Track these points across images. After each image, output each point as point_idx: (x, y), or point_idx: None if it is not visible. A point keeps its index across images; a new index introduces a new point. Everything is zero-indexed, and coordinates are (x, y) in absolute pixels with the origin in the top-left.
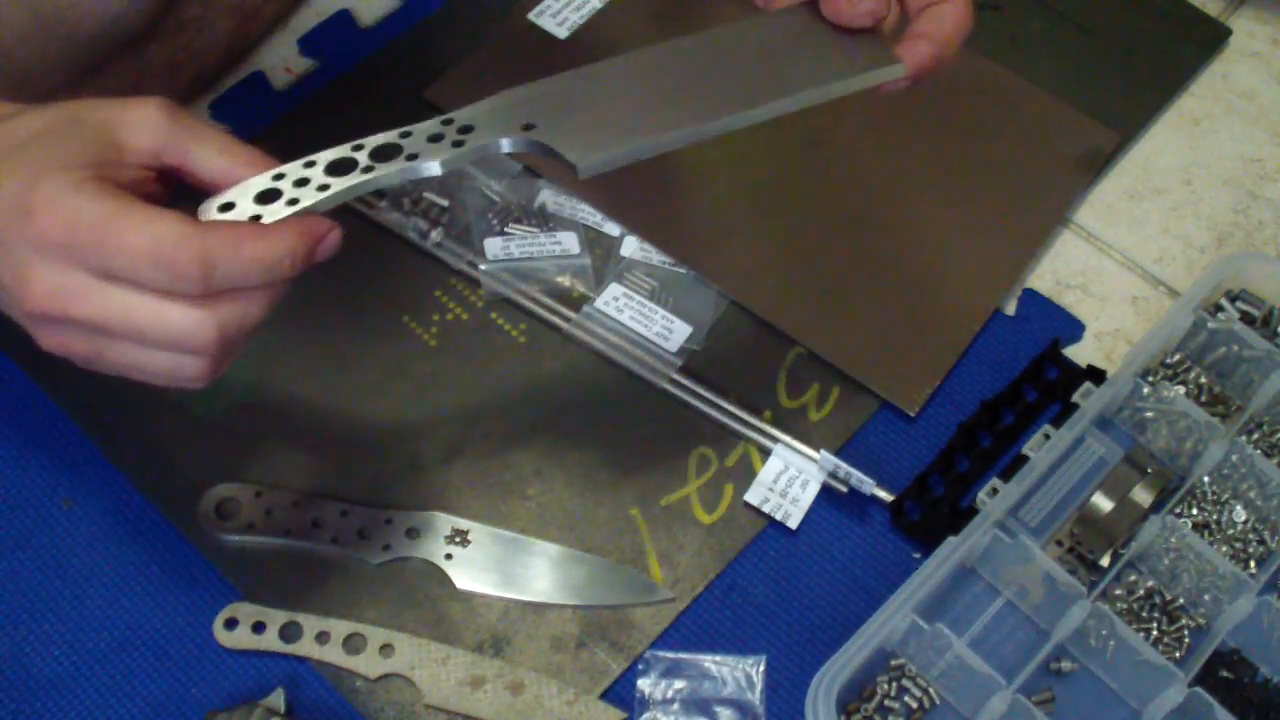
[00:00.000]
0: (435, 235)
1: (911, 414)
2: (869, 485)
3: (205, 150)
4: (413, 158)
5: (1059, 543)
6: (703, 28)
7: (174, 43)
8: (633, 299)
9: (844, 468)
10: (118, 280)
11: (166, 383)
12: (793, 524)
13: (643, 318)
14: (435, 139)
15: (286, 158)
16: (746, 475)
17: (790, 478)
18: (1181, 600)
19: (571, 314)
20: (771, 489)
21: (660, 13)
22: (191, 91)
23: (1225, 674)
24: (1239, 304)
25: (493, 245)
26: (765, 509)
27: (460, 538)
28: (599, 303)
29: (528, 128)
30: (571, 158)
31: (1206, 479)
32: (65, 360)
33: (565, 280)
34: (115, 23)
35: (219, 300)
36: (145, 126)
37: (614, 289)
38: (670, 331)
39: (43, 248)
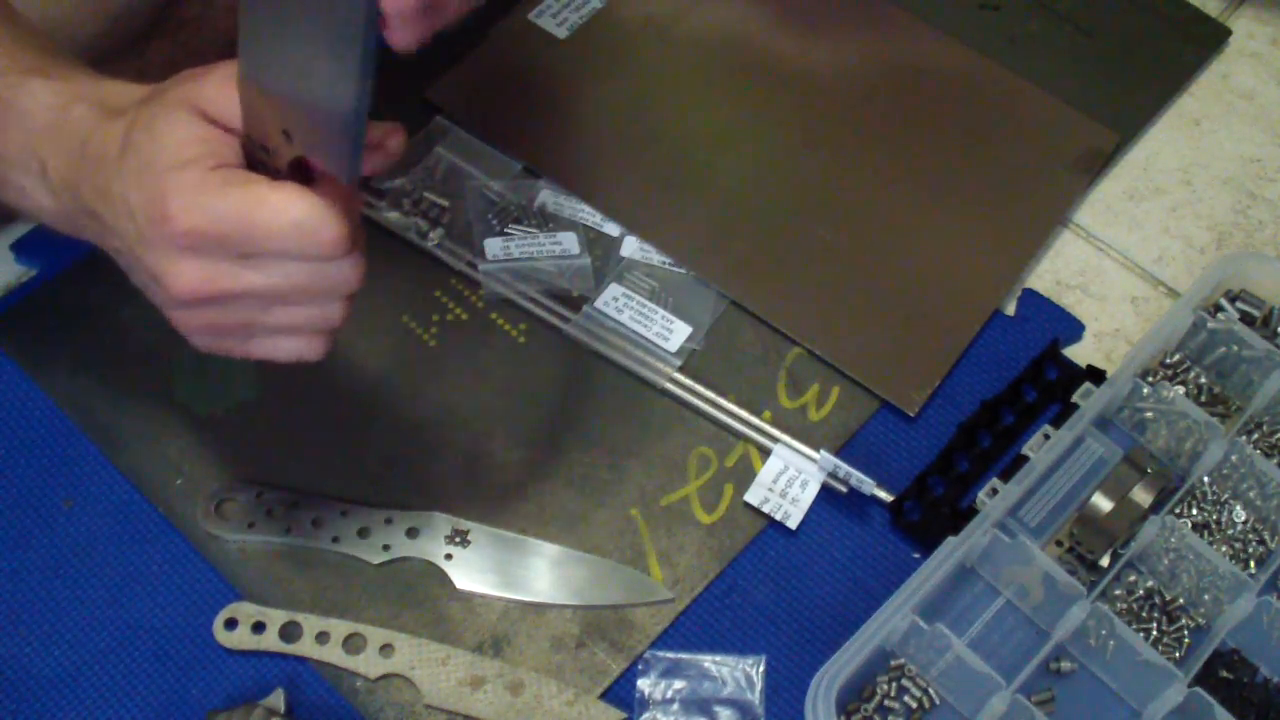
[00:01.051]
0: (435, 235)
1: (911, 414)
2: (869, 485)
3: None
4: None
5: (1059, 543)
6: (700, 30)
7: (174, 41)
8: (633, 299)
9: (844, 468)
10: (266, 256)
11: (304, 347)
12: (792, 524)
13: (643, 318)
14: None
15: None
16: (746, 475)
17: (790, 478)
18: (1181, 600)
19: (571, 314)
20: (771, 489)
21: (660, 13)
22: None
23: (1225, 674)
24: (1239, 304)
25: (493, 245)
26: (765, 509)
27: (460, 538)
28: (599, 303)
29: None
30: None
31: (1206, 479)
32: (66, 360)
33: (565, 280)
34: (117, 22)
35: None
36: (222, 98)
37: (614, 289)
38: (670, 331)
39: (189, 245)
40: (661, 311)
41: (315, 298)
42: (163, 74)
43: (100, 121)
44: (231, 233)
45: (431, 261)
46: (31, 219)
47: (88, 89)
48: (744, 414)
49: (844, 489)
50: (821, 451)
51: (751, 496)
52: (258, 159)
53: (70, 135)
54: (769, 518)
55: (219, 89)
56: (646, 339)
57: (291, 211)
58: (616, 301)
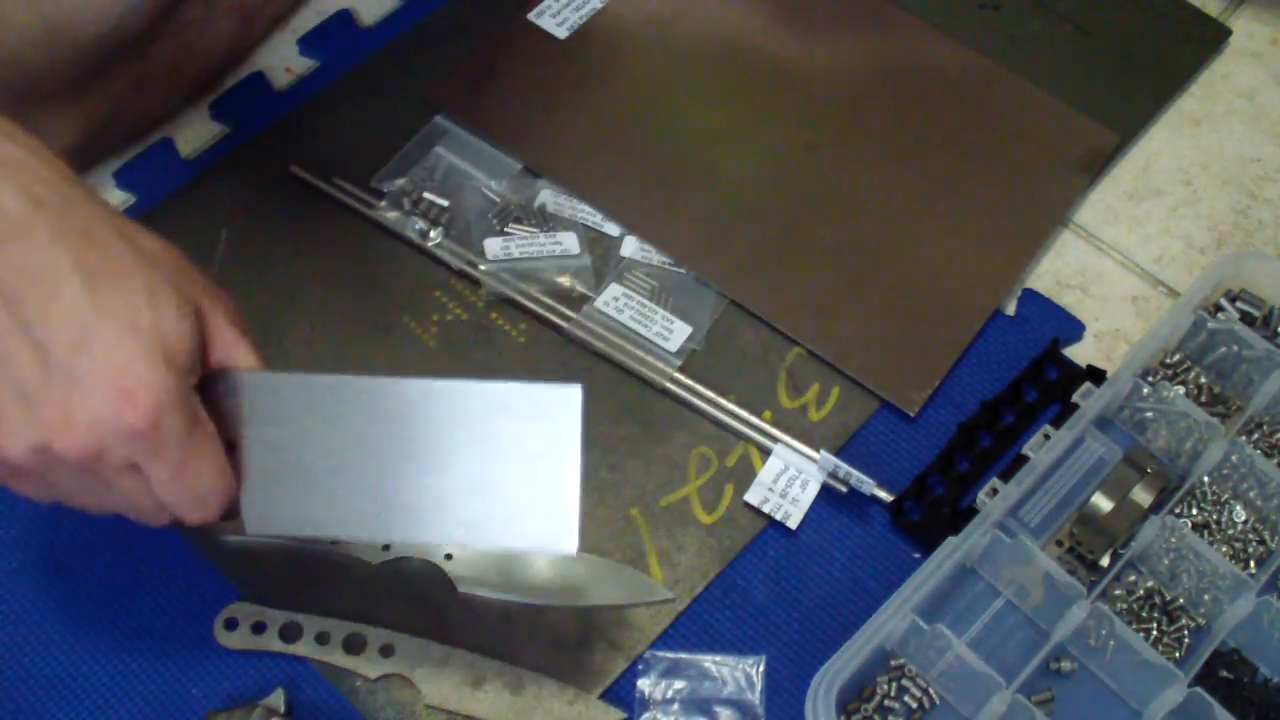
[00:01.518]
0: (435, 235)
1: (911, 414)
2: (869, 485)
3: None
4: None
5: (1059, 543)
6: (700, 30)
7: (176, 44)
8: (633, 299)
9: (844, 468)
10: (139, 473)
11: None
12: (792, 524)
13: (643, 318)
14: None
15: (287, 158)
16: (746, 475)
17: (790, 478)
18: (1181, 600)
19: (572, 314)
20: (771, 489)
21: (660, 13)
22: (192, 92)
23: (1225, 674)
24: (1239, 304)
25: (493, 245)
26: (765, 509)
27: None
28: (599, 303)
29: (228, 445)
30: (245, 517)
31: (1206, 479)
32: None
33: (565, 280)
34: (119, 24)
35: None
36: (223, 332)
37: (614, 289)
38: (670, 331)
39: (118, 427)
40: (661, 311)
41: (150, 512)
42: (165, 75)
43: (39, 206)
44: (168, 457)
45: (431, 261)
46: None
47: (25, 153)
48: (744, 414)
49: (844, 489)
50: (821, 451)
51: (751, 496)
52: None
53: None
54: (769, 518)
55: (228, 334)
56: (647, 339)
57: (214, 479)
58: (617, 301)
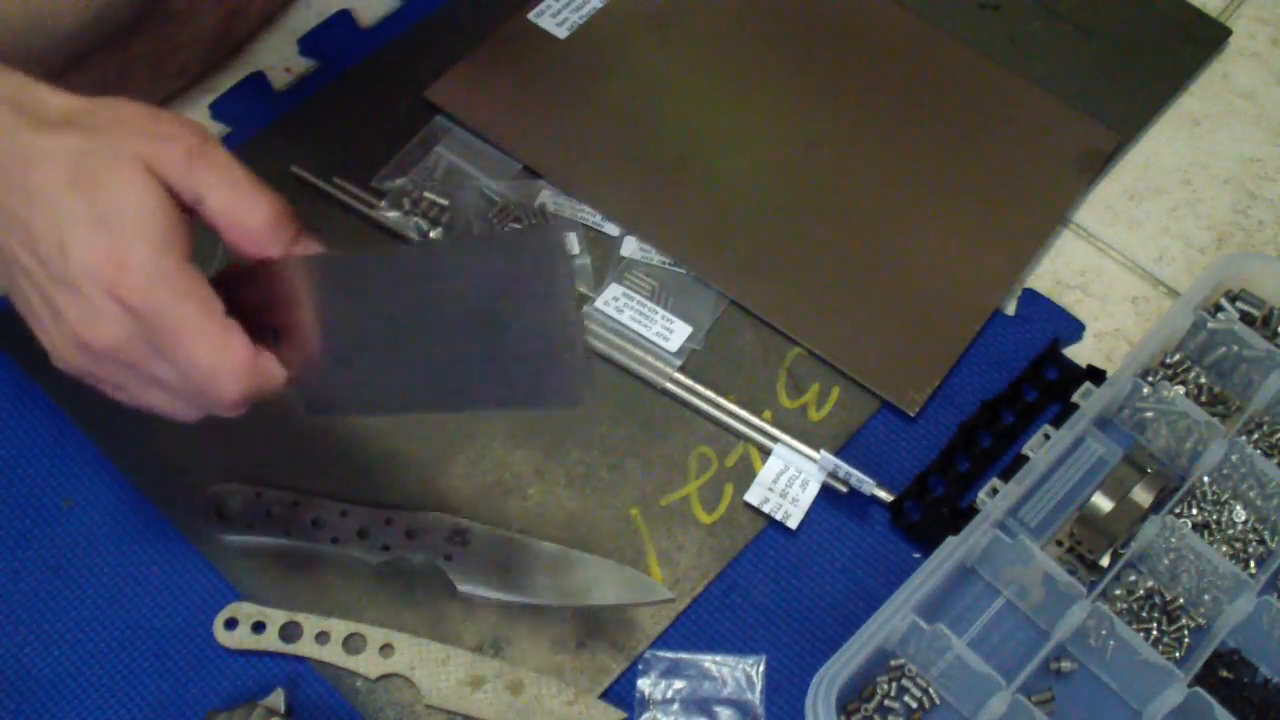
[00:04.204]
0: (435, 235)
1: (911, 414)
2: (869, 485)
3: (218, 202)
4: None
5: (1059, 543)
6: (700, 30)
7: (159, 35)
8: (633, 299)
9: (844, 468)
10: (164, 361)
11: (172, 409)
12: (793, 524)
13: (642, 318)
14: None
15: (287, 158)
16: (746, 475)
17: (790, 478)
18: (1181, 600)
19: None
20: (771, 489)
21: (659, 13)
22: (176, 84)
23: (1225, 674)
24: (1239, 304)
25: None
26: (765, 509)
27: (460, 538)
28: (599, 303)
29: (274, 334)
30: (304, 398)
31: (1206, 479)
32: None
33: None
34: (101, 14)
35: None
36: (176, 164)
37: (614, 289)
38: (670, 331)
39: (124, 313)
40: (661, 311)
41: (190, 399)
42: (147, 67)
43: (16, 133)
44: (166, 334)
45: None
46: None
47: (7, 87)
48: (744, 414)
49: (844, 489)
50: (821, 451)
51: (752, 496)
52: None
53: None
54: (769, 518)
55: (180, 167)
56: (647, 339)
57: (216, 356)
58: (617, 301)
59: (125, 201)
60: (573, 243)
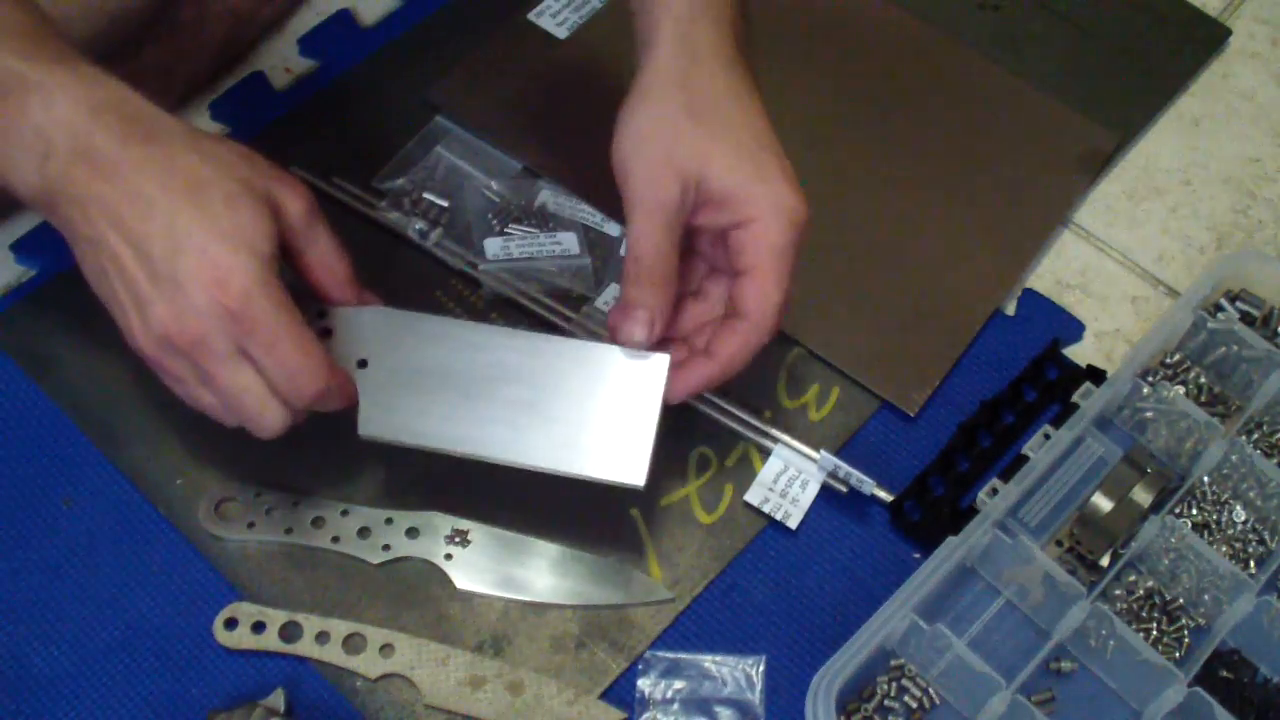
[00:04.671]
0: (435, 235)
1: (911, 414)
2: (869, 485)
3: (318, 254)
4: None
5: (1059, 543)
6: None
7: (168, 46)
8: None
9: (844, 468)
10: (249, 360)
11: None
12: (793, 524)
13: None
14: None
15: (287, 158)
16: (746, 475)
17: (790, 478)
18: (1181, 600)
19: (572, 314)
20: (771, 489)
21: None
22: (184, 93)
23: (1225, 674)
24: (1239, 304)
25: (493, 245)
26: (765, 509)
27: (460, 538)
28: (599, 302)
29: (363, 364)
30: (360, 419)
31: (1206, 479)
32: (66, 360)
33: (565, 280)
34: (112, 25)
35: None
36: (297, 217)
37: (615, 289)
38: None
39: (220, 314)
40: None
41: (238, 406)
42: (156, 77)
43: (126, 143)
44: (259, 338)
45: (431, 261)
46: (4, 188)
47: (115, 96)
48: (744, 414)
49: (844, 489)
50: (821, 451)
51: (752, 496)
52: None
53: (90, 142)
54: (769, 518)
55: (300, 221)
56: None
57: (306, 357)
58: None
59: (247, 225)
60: (573, 243)
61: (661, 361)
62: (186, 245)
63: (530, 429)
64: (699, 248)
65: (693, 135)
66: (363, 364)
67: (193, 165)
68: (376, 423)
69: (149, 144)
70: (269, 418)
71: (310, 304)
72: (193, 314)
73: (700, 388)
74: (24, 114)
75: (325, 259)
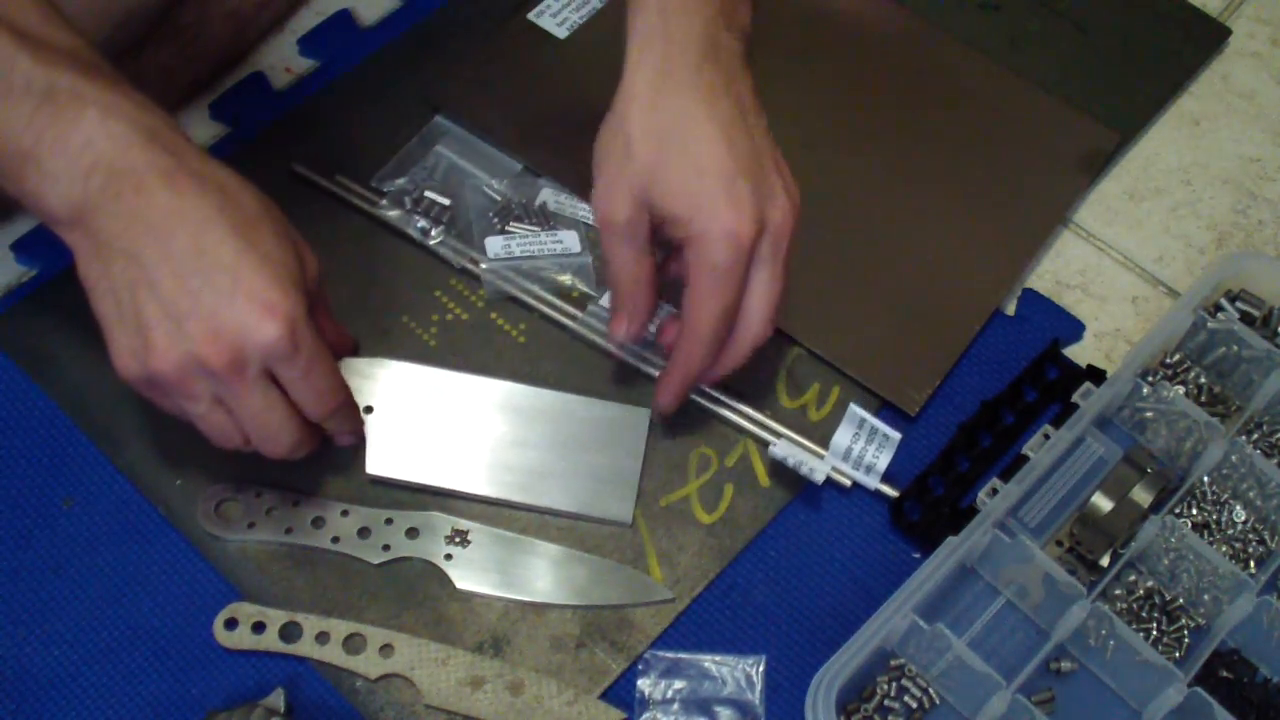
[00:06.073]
0: (436, 234)
1: (911, 414)
2: (873, 479)
3: (325, 313)
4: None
5: (1059, 543)
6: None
7: (170, 48)
8: None
9: (870, 418)
10: (274, 381)
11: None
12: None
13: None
14: None
15: (286, 158)
16: (747, 475)
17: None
18: (1181, 600)
19: (577, 313)
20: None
21: None
22: (186, 95)
23: (1225, 674)
24: (1239, 304)
25: (494, 244)
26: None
27: (460, 538)
28: (604, 300)
29: (369, 409)
30: (367, 460)
31: (1206, 479)
32: (66, 360)
33: (566, 279)
34: (117, 29)
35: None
36: (313, 278)
37: None
38: None
39: (261, 336)
40: (668, 306)
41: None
42: (159, 79)
43: (178, 169)
44: (302, 353)
45: (432, 261)
46: (28, 197)
47: (165, 124)
48: (744, 414)
49: (848, 483)
50: (851, 406)
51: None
52: None
53: (143, 159)
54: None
55: (314, 279)
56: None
57: (335, 380)
58: None
59: (292, 265)
60: (574, 241)
61: (643, 414)
62: (240, 267)
63: (525, 471)
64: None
65: (645, 159)
66: (369, 410)
67: (245, 201)
68: (382, 463)
69: (201, 174)
70: (286, 435)
71: None
72: (234, 332)
73: (662, 394)
74: (77, 126)
75: (331, 319)
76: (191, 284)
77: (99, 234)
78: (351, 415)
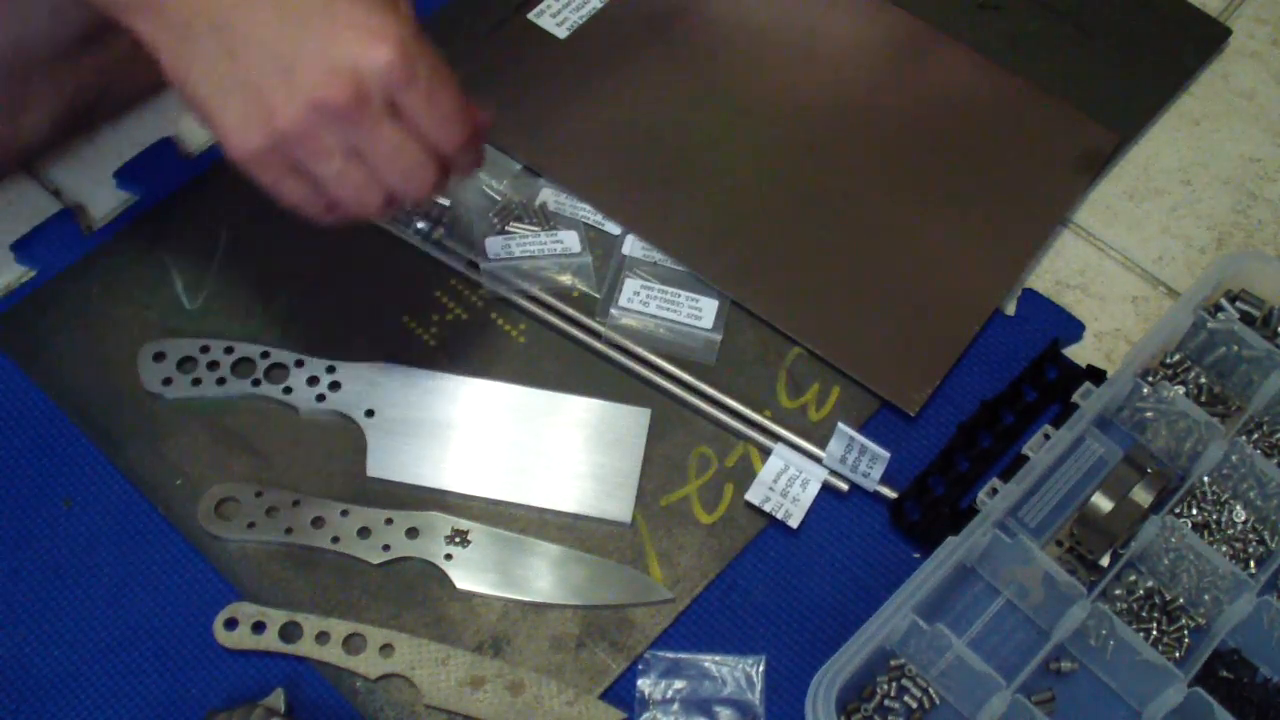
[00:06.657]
0: (437, 234)
1: (911, 414)
2: (872, 480)
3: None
4: (287, 390)
5: (1059, 543)
6: (697, 31)
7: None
8: (652, 289)
9: (859, 439)
10: (399, 115)
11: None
12: (794, 523)
13: (669, 303)
14: (312, 380)
15: None
16: (746, 475)
17: (790, 477)
18: (1181, 600)
19: (577, 314)
20: (772, 488)
21: (658, 13)
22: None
23: (1225, 674)
24: (1239, 304)
25: (494, 244)
26: (766, 508)
27: (460, 538)
28: (623, 300)
29: (370, 413)
30: (368, 462)
31: (1206, 479)
32: (66, 360)
33: (566, 279)
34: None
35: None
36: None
37: (631, 284)
38: (700, 310)
39: (376, 64)
40: (684, 294)
41: (396, 170)
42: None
43: None
44: (429, 75)
45: (432, 261)
46: None
47: None
48: (744, 414)
49: (845, 486)
50: (840, 425)
51: (753, 495)
52: None
53: None
54: (770, 517)
55: None
56: (680, 322)
57: (456, 95)
58: (638, 295)
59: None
60: (574, 241)
61: (643, 414)
62: (330, 3)
63: (524, 472)
64: None
65: None
66: (370, 413)
67: None
68: (383, 465)
69: None
70: (427, 172)
71: (321, 359)
72: (349, 65)
73: None
74: None
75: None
76: (290, 32)
77: (177, 14)
78: (480, 141)
